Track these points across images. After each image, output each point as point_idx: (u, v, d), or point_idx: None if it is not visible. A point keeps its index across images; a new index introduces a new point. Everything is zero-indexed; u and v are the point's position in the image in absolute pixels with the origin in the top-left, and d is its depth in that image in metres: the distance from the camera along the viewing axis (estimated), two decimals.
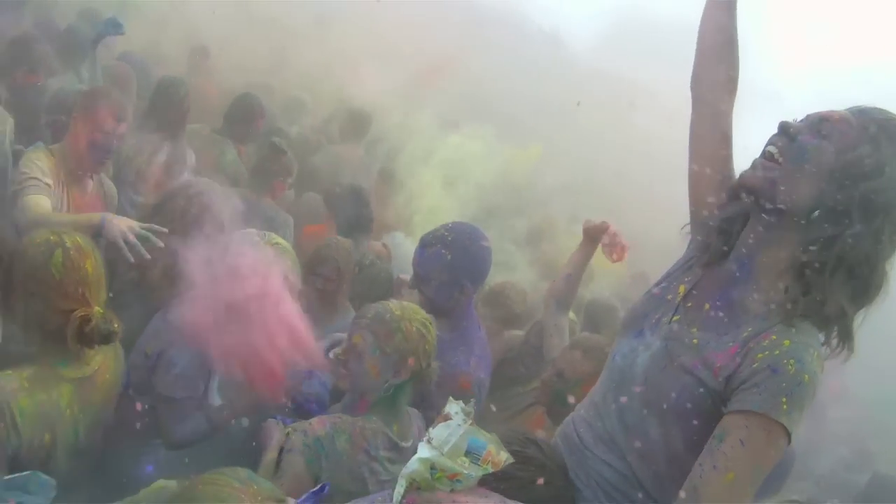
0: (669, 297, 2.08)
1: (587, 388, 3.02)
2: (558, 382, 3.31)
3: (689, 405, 1.86)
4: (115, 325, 2.48)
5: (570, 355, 3.42)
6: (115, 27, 5.80)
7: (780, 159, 1.86)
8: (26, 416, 2.40)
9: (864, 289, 1.86)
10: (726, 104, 2.18)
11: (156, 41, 7.75)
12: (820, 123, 1.86)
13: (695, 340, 1.92)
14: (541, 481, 1.94)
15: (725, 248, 2.02)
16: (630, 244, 3.75)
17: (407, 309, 2.75)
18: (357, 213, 5.15)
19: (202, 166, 5.17)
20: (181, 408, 2.99)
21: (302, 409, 3.06)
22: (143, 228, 3.21)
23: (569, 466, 2.08)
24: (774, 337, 1.82)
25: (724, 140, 2.16)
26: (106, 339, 2.47)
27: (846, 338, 1.90)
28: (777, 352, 1.80)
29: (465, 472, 1.55)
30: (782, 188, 1.84)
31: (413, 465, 1.56)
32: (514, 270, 5.83)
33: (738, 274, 1.95)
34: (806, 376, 1.78)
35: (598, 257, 3.91)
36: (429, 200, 5.60)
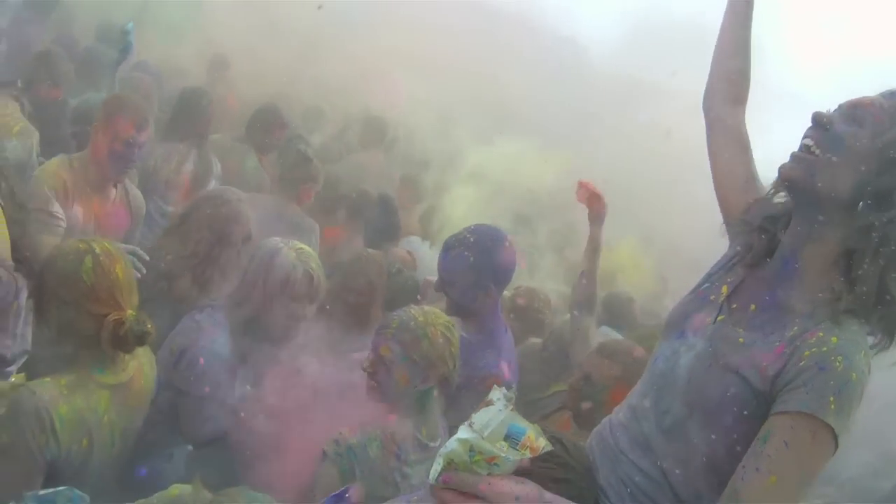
0: (713, 297, 2.03)
1: (615, 393, 3.03)
2: (586, 387, 3.29)
3: (733, 406, 1.81)
4: (149, 326, 2.52)
5: (597, 360, 3.41)
6: (124, 52, 5.92)
7: (817, 151, 1.82)
8: (65, 423, 2.44)
9: None
10: (739, 115, 2.22)
11: (174, 52, 7.82)
12: (852, 110, 1.84)
13: (741, 339, 1.88)
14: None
15: (770, 248, 1.99)
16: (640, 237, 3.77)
17: (429, 314, 2.76)
18: (385, 222, 5.18)
19: (225, 174, 5.26)
20: (202, 405, 3.04)
21: None
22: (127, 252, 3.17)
23: (599, 469, 2.03)
24: (821, 334, 1.77)
25: (741, 145, 2.18)
26: (140, 339, 2.50)
27: (892, 331, 1.84)
28: (825, 349, 1.75)
29: (503, 455, 1.54)
30: (821, 179, 1.81)
31: (452, 444, 1.56)
32: (537, 277, 5.86)
33: (782, 273, 1.91)
34: (854, 374, 1.72)
35: (616, 257, 3.93)
36: (458, 209, 5.62)
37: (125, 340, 2.49)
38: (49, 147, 4.74)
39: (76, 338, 2.53)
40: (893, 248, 1.77)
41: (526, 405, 3.96)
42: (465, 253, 3.21)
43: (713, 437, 1.83)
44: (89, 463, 2.54)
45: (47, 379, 2.52)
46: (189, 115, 5.06)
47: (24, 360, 2.97)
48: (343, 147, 7.57)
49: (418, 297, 4.20)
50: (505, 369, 3.23)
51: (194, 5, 8.79)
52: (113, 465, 2.68)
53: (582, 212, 4.06)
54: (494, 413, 1.60)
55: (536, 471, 1.76)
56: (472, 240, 3.24)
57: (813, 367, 1.73)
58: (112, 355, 2.56)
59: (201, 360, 3.03)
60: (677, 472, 1.89)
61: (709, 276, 2.13)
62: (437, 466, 1.58)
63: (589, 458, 2.09)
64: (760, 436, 1.76)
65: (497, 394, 1.64)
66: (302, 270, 3.09)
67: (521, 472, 1.59)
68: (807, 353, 1.75)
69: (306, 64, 9.01)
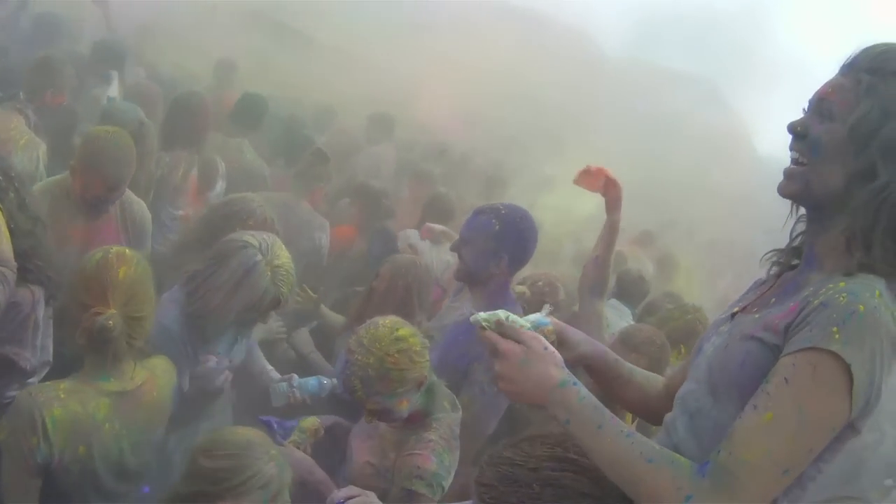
0: (723, 317, 2.03)
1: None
2: None
3: (754, 371, 1.73)
4: (111, 324, 2.42)
5: (621, 351, 3.21)
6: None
7: (804, 160, 1.83)
8: (58, 425, 2.39)
9: None
10: None
11: (185, 60, 7.85)
12: (820, 105, 1.83)
13: (756, 316, 1.84)
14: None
15: (796, 262, 1.97)
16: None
17: (374, 344, 2.68)
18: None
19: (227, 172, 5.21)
20: None
21: None
22: None
23: None
24: (831, 285, 1.70)
25: None
26: (101, 335, 2.42)
27: None
28: (831, 292, 1.67)
29: (529, 326, 1.91)
30: (815, 184, 1.81)
31: (495, 312, 1.91)
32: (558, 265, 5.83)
33: (803, 266, 1.90)
34: (861, 306, 1.61)
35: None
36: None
37: (92, 335, 2.43)
38: (59, 157, 4.71)
39: (81, 341, 2.48)
40: (888, 216, 1.73)
41: None
42: (493, 220, 3.33)
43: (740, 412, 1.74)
44: (93, 471, 2.51)
45: (49, 382, 2.52)
46: (185, 120, 4.95)
47: (46, 371, 2.95)
48: (352, 143, 7.55)
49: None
50: None
51: (204, 13, 8.85)
52: (133, 480, 2.65)
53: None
54: (534, 315, 2.02)
55: (567, 482, 1.75)
56: (503, 211, 3.37)
57: (818, 306, 1.65)
58: (115, 362, 2.52)
59: (156, 337, 2.96)
60: None
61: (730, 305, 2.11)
62: (483, 314, 1.91)
63: None
64: (765, 378, 1.68)
65: (546, 306, 2.09)
66: (272, 296, 3.00)
67: (550, 483, 1.74)
68: (816, 301, 1.68)
69: (314, 67, 9.05)
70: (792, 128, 1.86)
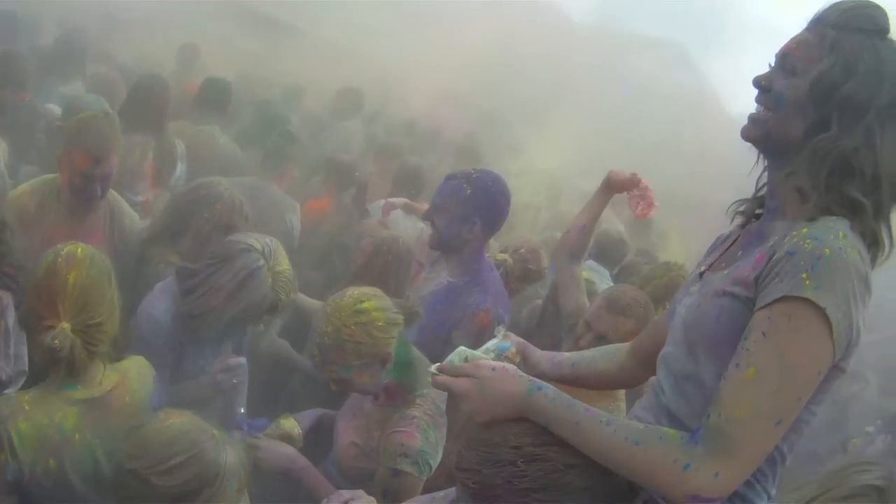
0: (692, 278, 2.05)
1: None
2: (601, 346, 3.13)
3: (731, 327, 1.74)
4: (56, 343, 2.25)
5: (610, 318, 3.29)
6: None
7: (767, 113, 1.87)
8: (25, 439, 2.26)
9: (875, 182, 1.77)
10: None
11: (148, 49, 7.76)
12: (784, 60, 1.86)
13: (725, 272, 1.85)
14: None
15: (759, 211, 2.00)
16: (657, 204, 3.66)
17: (334, 315, 2.67)
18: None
19: (199, 159, 5.17)
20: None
21: None
22: None
23: None
24: (794, 232, 1.71)
25: None
26: (51, 355, 2.28)
27: (875, 237, 1.78)
28: (795, 239, 1.68)
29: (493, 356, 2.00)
30: (775, 132, 1.85)
31: (451, 356, 1.94)
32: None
33: (766, 215, 1.93)
34: (826, 250, 1.63)
35: None
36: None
37: (43, 352, 2.29)
38: (23, 154, 4.66)
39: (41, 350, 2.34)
40: (841, 167, 1.76)
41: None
42: (464, 185, 3.30)
43: (723, 370, 1.74)
44: (67, 485, 2.35)
45: (12, 394, 2.40)
46: (145, 104, 4.83)
47: (22, 381, 2.83)
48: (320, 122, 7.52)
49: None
50: (493, 305, 3.28)
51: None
52: (106, 489, 2.42)
53: None
54: (491, 342, 2.09)
55: (552, 455, 1.73)
56: (474, 176, 3.35)
57: (784, 255, 1.67)
58: (81, 368, 2.35)
59: (143, 326, 2.97)
60: None
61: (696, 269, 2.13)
62: (432, 369, 1.95)
63: None
64: (743, 335, 1.69)
65: (499, 329, 2.17)
66: (270, 301, 2.98)
67: (534, 459, 1.72)
68: (782, 250, 1.69)
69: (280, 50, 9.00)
70: (756, 82, 1.89)
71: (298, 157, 5.41)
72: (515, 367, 1.90)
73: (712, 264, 1.98)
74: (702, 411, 1.72)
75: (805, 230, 1.69)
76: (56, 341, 2.24)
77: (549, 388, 1.80)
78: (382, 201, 5.48)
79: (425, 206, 4.64)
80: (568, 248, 3.86)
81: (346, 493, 2.36)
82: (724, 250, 2.00)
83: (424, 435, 2.69)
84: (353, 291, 2.73)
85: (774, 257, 1.69)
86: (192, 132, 5.52)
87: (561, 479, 1.71)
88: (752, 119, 1.90)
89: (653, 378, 2.04)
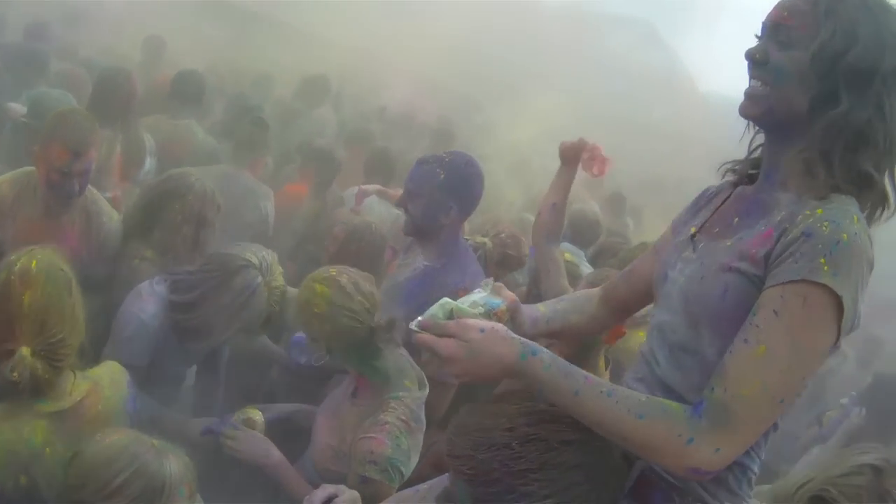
0: (681, 239, 1.99)
1: (615, 330, 2.89)
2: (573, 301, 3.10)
3: (736, 304, 1.72)
4: (15, 375, 2.14)
5: None
6: None
7: (765, 88, 1.80)
8: None
9: (888, 151, 1.75)
10: None
11: (115, 43, 7.65)
12: (776, 32, 1.79)
13: (728, 243, 1.81)
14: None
15: (753, 171, 1.96)
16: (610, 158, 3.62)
17: (305, 287, 2.74)
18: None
19: (178, 154, 5.09)
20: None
21: None
22: None
23: None
24: (808, 211, 1.69)
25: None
26: (12, 386, 2.18)
27: (882, 200, 1.78)
28: (811, 220, 1.66)
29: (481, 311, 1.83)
30: (777, 107, 1.78)
31: (433, 309, 1.79)
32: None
33: (764, 180, 1.88)
34: (844, 235, 1.62)
35: None
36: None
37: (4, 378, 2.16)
38: None
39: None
40: (853, 138, 1.73)
41: None
42: (437, 169, 3.24)
43: (728, 344, 1.72)
44: (41, 501, 2.23)
45: None
46: (109, 97, 4.72)
47: None
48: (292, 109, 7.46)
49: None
50: (471, 284, 3.13)
51: None
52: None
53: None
54: (477, 293, 1.91)
55: (546, 434, 1.71)
56: (447, 159, 3.29)
57: (800, 236, 1.64)
58: (47, 384, 2.23)
59: (129, 327, 2.92)
60: None
61: (676, 226, 2.09)
62: (414, 324, 1.78)
63: None
64: (751, 311, 1.67)
65: (487, 281, 1.99)
66: (265, 316, 2.99)
67: (528, 439, 1.70)
68: (796, 230, 1.67)
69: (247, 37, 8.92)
70: (751, 55, 1.82)
71: (271, 144, 5.36)
72: (505, 328, 1.77)
73: (703, 226, 1.95)
74: (700, 384, 1.73)
75: (820, 211, 1.67)
76: (14, 373, 2.14)
77: (545, 353, 1.72)
78: (356, 188, 5.45)
79: (399, 191, 4.61)
80: (543, 230, 3.77)
81: (330, 488, 2.29)
82: (715, 210, 1.97)
83: (395, 442, 2.63)
84: (332, 269, 2.77)
85: (788, 237, 1.67)
86: (169, 127, 5.45)
87: (557, 458, 1.70)
88: (751, 96, 1.83)
89: (643, 347, 2.01)
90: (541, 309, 2.26)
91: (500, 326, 1.76)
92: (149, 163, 4.94)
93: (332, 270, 2.76)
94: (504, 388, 2.70)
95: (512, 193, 6.78)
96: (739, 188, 1.97)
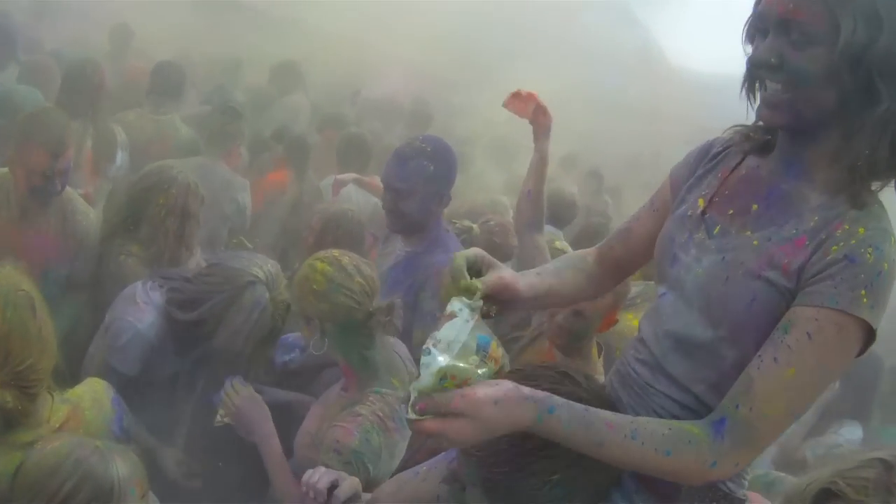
0: (690, 213, 1.87)
1: (607, 318, 2.94)
2: (577, 322, 2.96)
3: (764, 314, 1.67)
4: None
5: None
6: None
7: (787, 94, 1.67)
8: None
9: None
10: None
11: (83, 34, 7.54)
12: (786, 28, 1.64)
13: (755, 242, 1.73)
14: None
15: (769, 137, 1.84)
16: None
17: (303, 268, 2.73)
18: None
19: (160, 151, 4.98)
20: (117, 381, 2.75)
21: None
22: None
23: (627, 405, 1.89)
24: (847, 226, 1.62)
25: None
26: None
27: None
28: (853, 241, 1.60)
29: (478, 375, 1.54)
30: (805, 109, 1.67)
31: (425, 380, 1.52)
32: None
33: (786, 172, 1.76)
34: (885, 264, 1.59)
35: None
36: None
37: None
38: None
39: None
40: (893, 136, 1.63)
41: (506, 343, 3.82)
42: (425, 162, 3.25)
43: (747, 351, 1.69)
44: None
45: None
46: (77, 89, 4.67)
47: None
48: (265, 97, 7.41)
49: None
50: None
51: None
52: None
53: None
54: (461, 326, 1.56)
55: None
56: (428, 150, 3.29)
57: (842, 259, 1.59)
58: (22, 414, 2.09)
59: (123, 335, 2.85)
60: (714, 394, 1.76)
61: (679, 195, 1.96)
62: (411, 400, 1.54)
63: (605, 390, 1.97)
64: (782, 324, 1.63)
65: (458, 304, 1.60)
66: (269, 328, 2.91)
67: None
68: (834, 247, 1.61)
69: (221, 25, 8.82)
70: (764, 62, 1.67)
71: (245, 133, 5.30)
72: (516, 386, 1.60)
73: (713, 199, 1.85)
74: (708, 378, 1.74)
75: (861, 231, 1.62)
76: None
77: (562, 409, 1.62)
78: (332, 178, 5.40)
79: (375, 177, 4.58)
80: (524, 219, 3.65)
81: (332, 474, 2.26)
82: (723, 180, 1.86)
83: (365, 436, 2.54)
84: (334, 252, 2.73)
85: (828, 258, 1.61)
86: (151, 122, 5.39)
87: None
88: (771, 103, 1.70)
89: (646, 331, 1.93)
90: (536, 276, 2.11)
91: (510, 387, 1.59)
92: (120, 157, 4.86)
93: (335, 252, 2.73)
94: None
95: (490, 175, 6.74)
96: (750, 158, 1.86)
